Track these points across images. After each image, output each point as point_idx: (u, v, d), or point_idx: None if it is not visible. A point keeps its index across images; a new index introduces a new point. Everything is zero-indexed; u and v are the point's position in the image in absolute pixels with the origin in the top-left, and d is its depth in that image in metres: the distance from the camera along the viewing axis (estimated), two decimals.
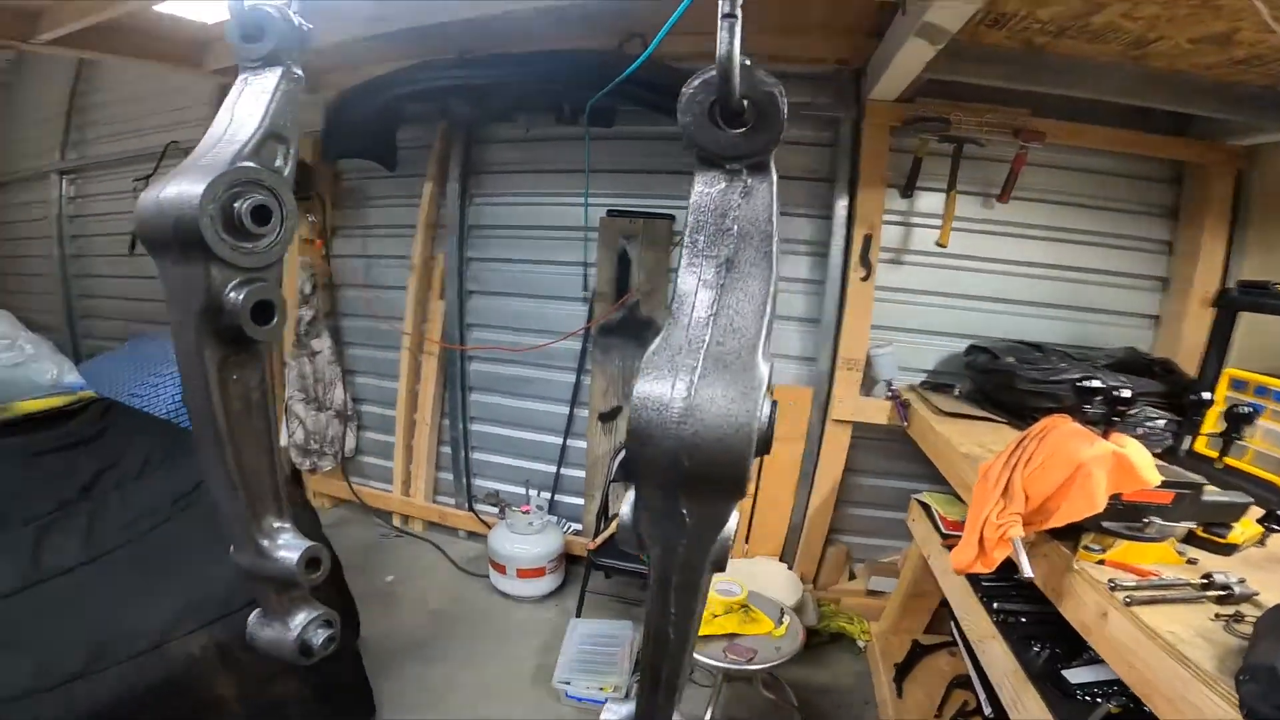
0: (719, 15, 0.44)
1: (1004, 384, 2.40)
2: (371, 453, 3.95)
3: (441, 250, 3.47)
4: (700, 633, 2.10)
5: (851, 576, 3.28)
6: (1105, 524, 1.35)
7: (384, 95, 2.79)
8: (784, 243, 2.95)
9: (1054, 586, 1.46)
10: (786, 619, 2.25)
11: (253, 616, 0.72)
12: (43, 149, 5.11)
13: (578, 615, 2.93)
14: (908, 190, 2.75)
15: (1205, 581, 1.23)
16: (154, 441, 2.72)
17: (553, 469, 3.50)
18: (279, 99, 0.62)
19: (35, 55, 3.46)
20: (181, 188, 0.56)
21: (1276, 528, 1.37)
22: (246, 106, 0.62)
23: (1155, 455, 2.07)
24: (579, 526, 3.45)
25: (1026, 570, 1.32)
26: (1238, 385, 1.91)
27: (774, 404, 0.46)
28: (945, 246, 2.68)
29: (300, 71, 0.66)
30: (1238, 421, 1.44)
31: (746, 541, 3.22)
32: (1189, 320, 2.60)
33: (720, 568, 0.51)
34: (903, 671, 2.56)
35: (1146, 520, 1.32)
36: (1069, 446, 1.33)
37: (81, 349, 5.10)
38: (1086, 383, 1.40)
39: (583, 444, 3.38)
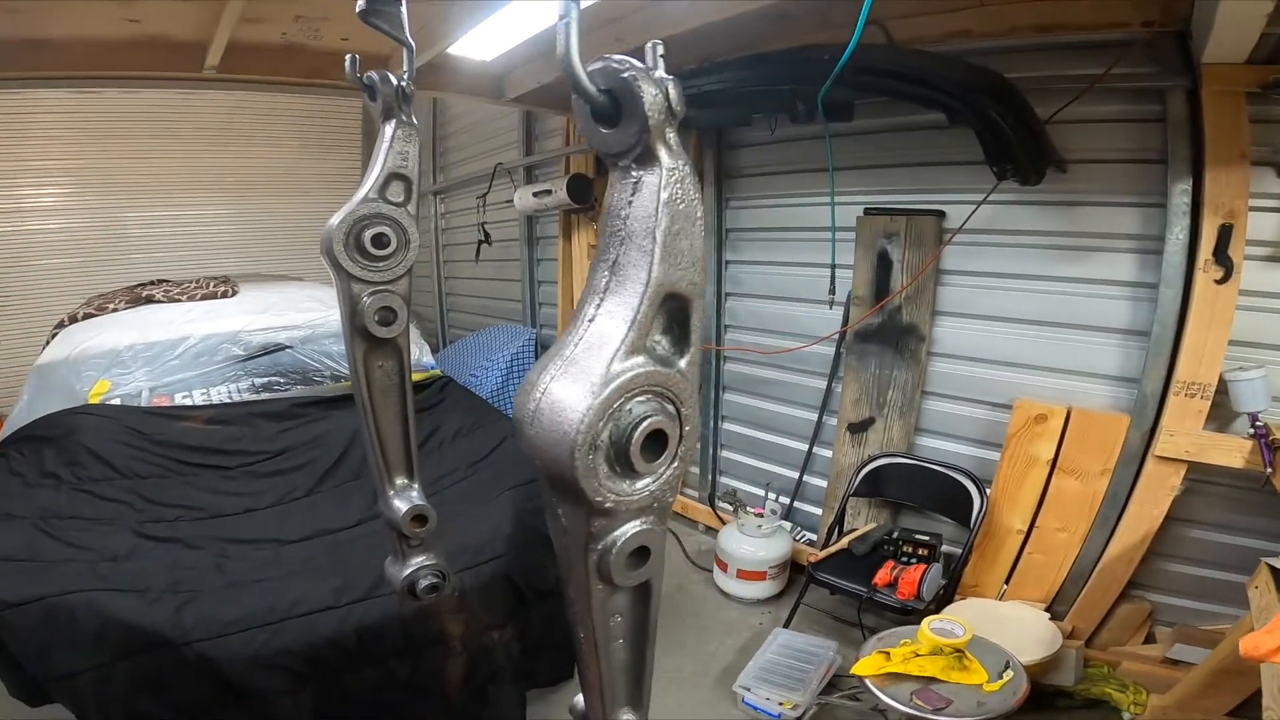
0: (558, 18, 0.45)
1: None
2: None
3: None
4: (894, 669, 1.88)
5: (1150, 639, 2.59)
6: None
7: None
8: (1095, 237, 2.44)
9: None
10: (1009, 674, 1.87)
11: (390, 556, 0.95)
12: (422, 173, 6.52)
13: (786, 625, 2.81)
14: None
15: None
16: (469, 415, 3.21)
17: (795, 475, 3.39)
18: (394, 145, 0.81)
19: None
20: (330, 222, 0.76)
21: None
22: (377, 154, 0.83)
23: None
24: (813, 536, 3.29)
25: None
26: None
27: (667, 409, 0.49)
28: None
29: (410, 118, 0.84)
30: None
31: (1006, 583, 2.72)
32: None
33: (606, 579, 0.51)
34: None
35: None
36: None
37: (448, 336, 6.42)
38: None
39: (828, 453, 3.20)
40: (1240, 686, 2.18)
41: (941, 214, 2.74)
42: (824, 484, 3.25)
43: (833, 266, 2.79)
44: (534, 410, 0.47)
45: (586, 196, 3.76)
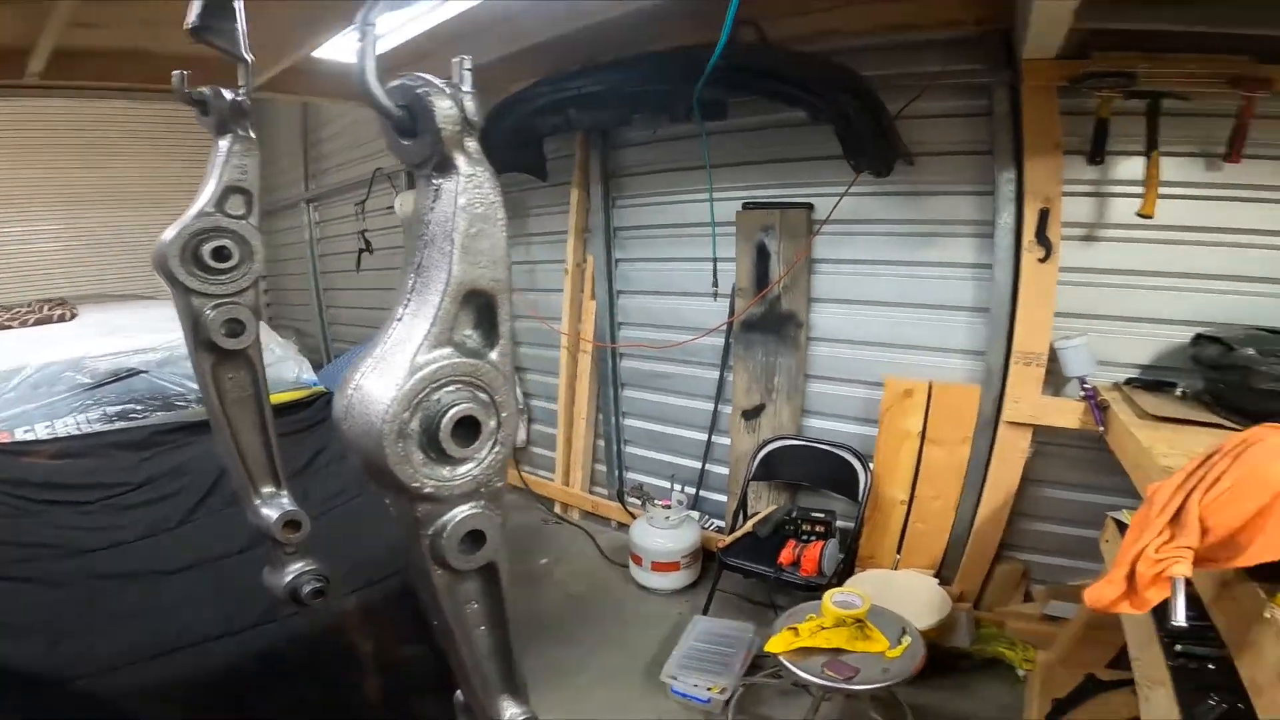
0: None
1: (1242, 383, 1.92)
2: (539, 444, 4.25)
3: (592, 253, 3.62)
4: (804, 644, 1.99)
5: (1028, 598, 2.86)
6: None
7: (516, 113, 2.98)
8: (940, 224, 2.68)
9: (1236, 634, 1.18)
10: (906, 639, 2.03)
11: (266, 566, 0.94)
12: (292, 180, 6.19)
13: (705, 613, 2.91)
14: (1096, 156, 2.32)
15: None
16: None
17: (698, 465, 3.50)
18: (230, 160, 0.81)
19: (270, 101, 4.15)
20: (163, 237, 0.75)
21: None
22: (212, 169, 0.83)
23: None
24: (721, 523, 3.41)
25: (1179, 616, 1.07)
26: None
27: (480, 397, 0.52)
28: (1151, 217, 2.20)
29: (248, 132, 0.84)
30: None
31: (899, 553, 2.94)
32: None
33: (443, 563, 0.54)
34: (1062, 709, 2.18)
35: None
36: (1272, 468, 1.02)
37: (332, 350, 6.13)
38: None
39: (727, 441, 3.34)
40: (1113, 639, 2.37)
41: (810, 206, 2.92)
42: (726, 471, 3.39)
43: (714, 260, 2.92)
44: (346, 406, 0.50)
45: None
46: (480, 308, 0.53)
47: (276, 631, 1.75)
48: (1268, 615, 1.07)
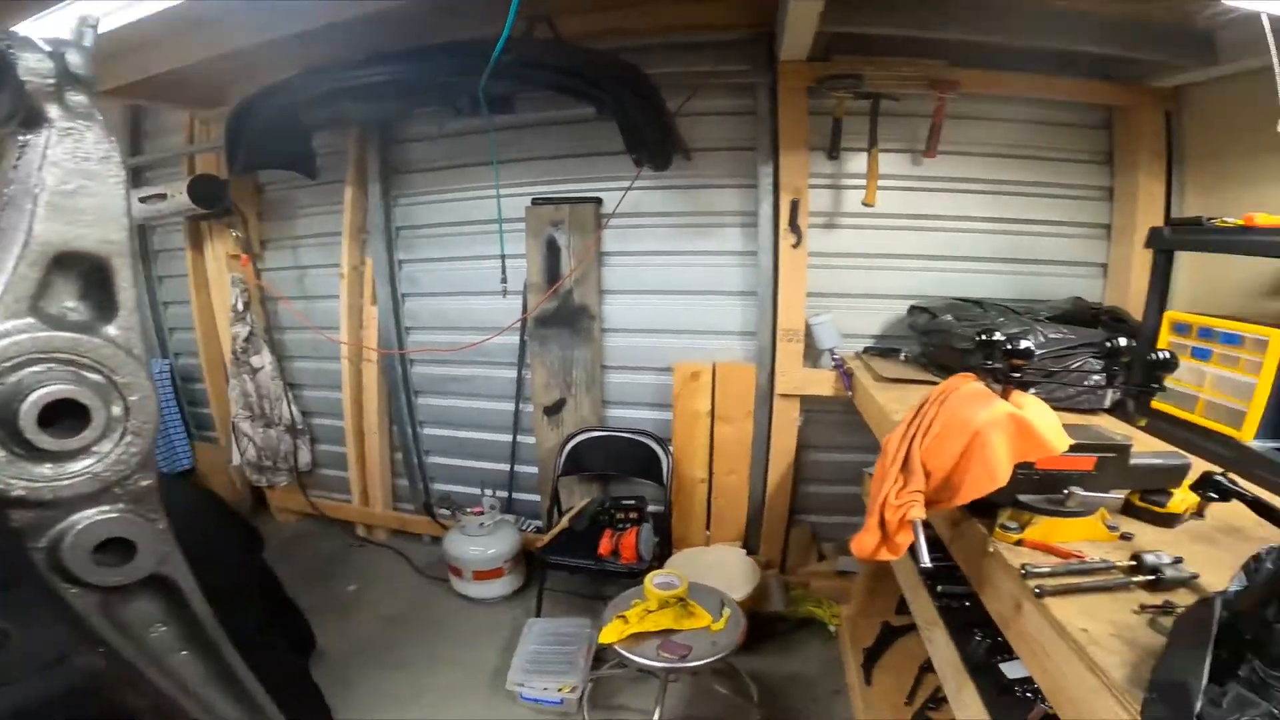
0: None
1: (944, 344, 2.30)
2: (328, 465, 3.85)
3: (370, 255, 3.35)
4: (635, 630, 2.02)
5: (821, 557, 3.19)
6: (1021, 498, 1.21)
7: (274, 104, 2.65)
8: (715, 215, 2.88)
9: (974, 571, 1.32)
10: (726, 611, 2.15)
11: None
12: None
13: (538, 614, 2.87)
14: (833, 152, 2.65)
15: (1133, 564, 1.07)
16: None
17: (506, 467, 3.41)
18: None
19: None
20: None
21: (1213, 496, 1.21)
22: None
23: (1105, 412, 2.01)
24: (540, 523, 3.36)
25: (924, 559, 1.18)
26: (1181, 329, 1.82)
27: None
28: (872, 205, 2.57)
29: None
30: (1154, 369, 1.30)
31: (708, 529, 3.13)
32: (1135, 266, 2.51)
33: (74, 579, 0.46)
34: (872, 656, 2.47)
35: (1067, 492, 1.18)
36: (964, 411, 1.19)
37: None
38: (987, 335, 1.29)
39: (532, 439, 3.29)
40: (895, 588, 2.61)
41: (599, 200, 2.97)
42: (535, 470, 3.35)
43: (503, 257, 2.85)
44: None
45: (218, 199, 3.25)
46: (87, 275, 0.43)
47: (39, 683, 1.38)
48: (991, 550, 1.22)
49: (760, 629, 2.82)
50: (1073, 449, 1.19)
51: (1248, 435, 1.54)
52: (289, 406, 3.67)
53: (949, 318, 2.29)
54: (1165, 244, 1.91)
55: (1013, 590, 1.14)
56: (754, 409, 2.92)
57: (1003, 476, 1.16)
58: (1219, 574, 1.04)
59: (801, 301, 2.71)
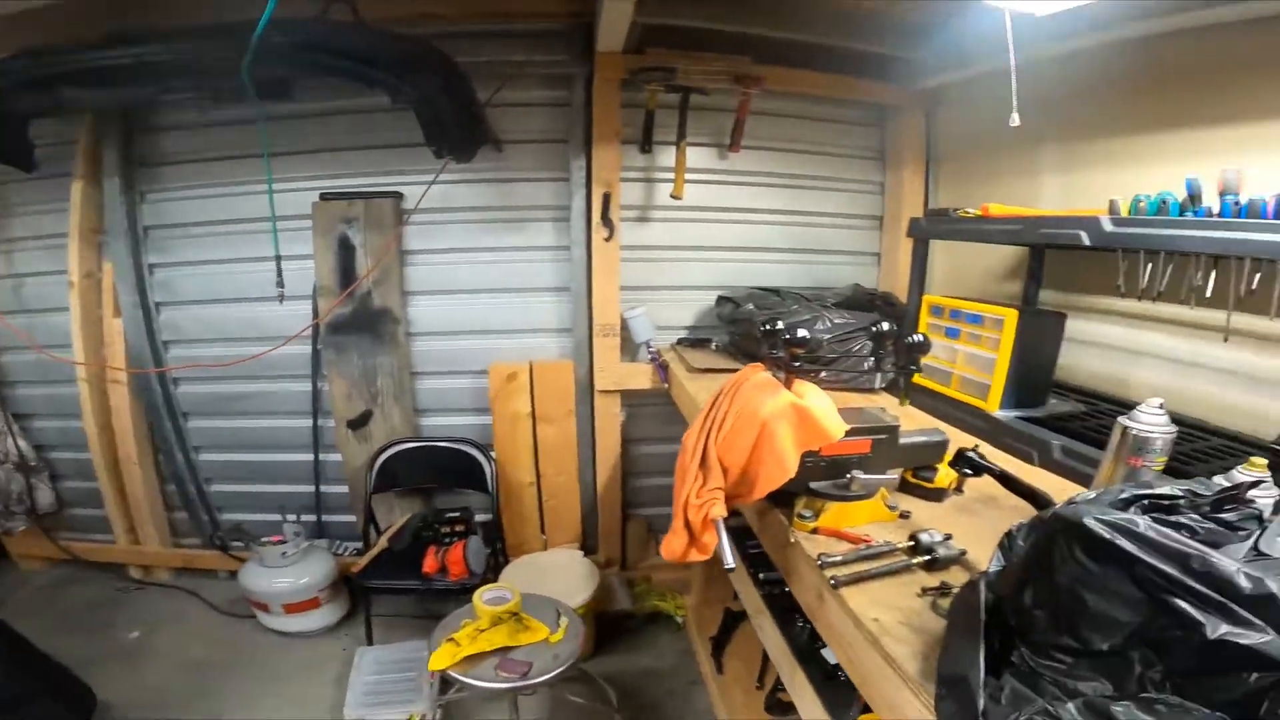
0: None
1: (748, 333, 2.40)
2: (80, 503, 3.19)
3: (110, 259, 2.79)
4: (467, 652, 1.86)
5: (659, 550, 3.22)
6: (813, 485, 1.25)
7: None
8: (527, 209, 2.76)
9: (781, 562, 1.34)
10: (564, 620, 2.06)
11: None
12: None
13: (370, 642, 2.62)
14: (645, 146, 2.64)
15: (912, 544, 1.13)
16: None
17: (311, 489, 3.06)
18: None
19: None
20: None
21: (967, 472, 1.33)
22: None
23: (883, 390, 2.20)
24: (359, 545, 3.04)
25: (728, 559, 1.17)
26: (936, 311, 2.02)
27: None
28: (680, 199, 2.61)
29: None
30: (912, 351, 1.42)
31: (543, 533, 3.03)
32: (902, 253, 2.79)
33: None
34: (719, 644, 2.52)
35: (849, 476, 1.24)
36: (751, 404, 1.21)
37: None
38: (770, 325, 1.32)
39: (338, 456, 2.97)
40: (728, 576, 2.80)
41: (399, 195, 2.72)
42: (347, 489, 3.02)
43: (278, 258, 2.49)
44: None
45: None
46: None
47: None
48: (792, 540, 1.23)
49: (609, 629, 2.81)
50: (849, 433, 1.25)
51: (993, 406, 1.75)
52: (14, 440, 2.98)
53: (750, 307, 2.39)
54: (922, 233, 2.12)
55: (814, 581, 1.16)
56: (575, 407, 2.86)
57: (792, 466, 1.19)
58: (982, 547, 1.10)
59: (616, 295, 2.69)
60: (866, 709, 1.35)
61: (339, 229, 2.70)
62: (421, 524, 2.73)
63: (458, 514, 2.75)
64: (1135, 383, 1.96)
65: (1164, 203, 1.44)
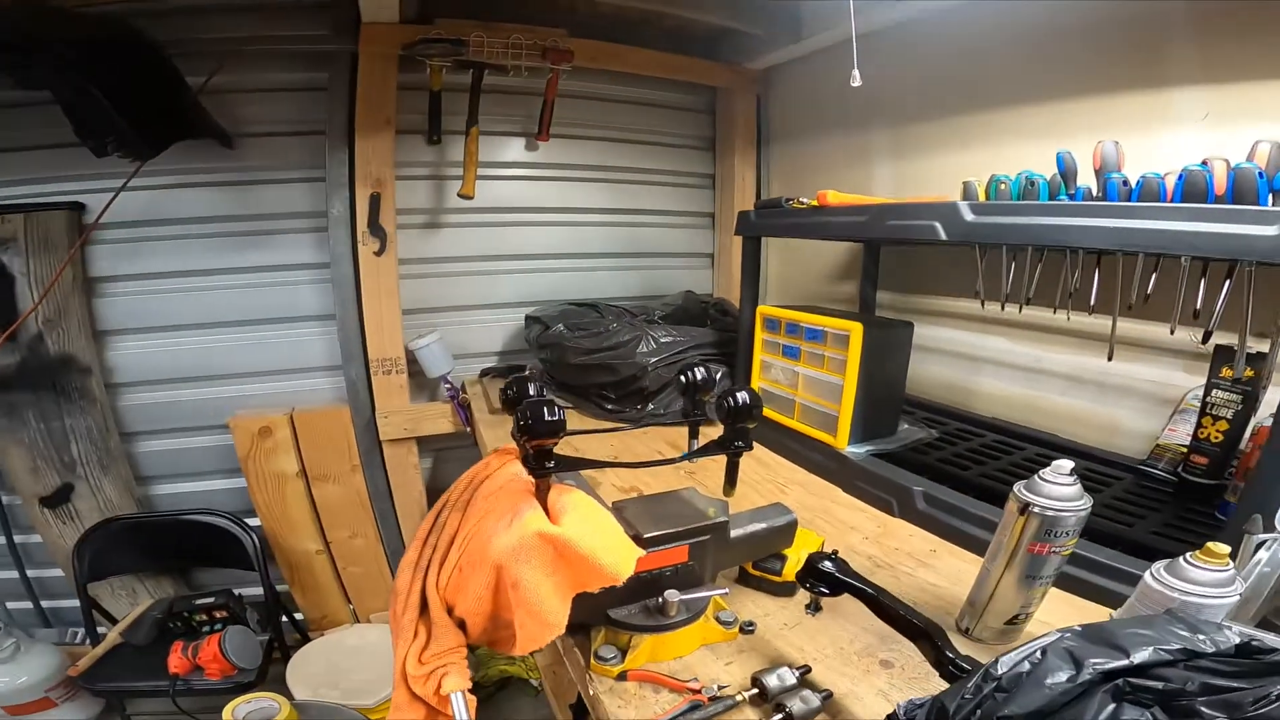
0: None
1: (560, 360, 1.96)
2: None
3: None
4: None
5: None
6: (613, 614, 0.86)
7: None
8: (276, 218, 2.13)
9: (598, 712, 0.93)
10: None
11: None
12: None
13: None
14: (434, 136, 2.13)
15: (756, 691, 0.79)
16: None
17: (13, 574, 2.25)
18: None
19: None
20: None
21: (823, 591, 0.93)
22: None
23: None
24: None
25: None
26: (772, 325, 1.68)
27: None
28: (470, 198, 2.11)
29: None
30: (735, 420, 0.95)
31: (350, 603, 2.44)
32: (735, 254, 2.48)
33: None
34: (582, 713, 2.06)
35: (662, 599, 0.85)
36: (484, 528, 0.80)
37: None
38: (511, 389, 0.88)
39: (40, 538, 2.17)
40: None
41: (80, 206, 1.99)
42: (61, 573, 2.22)
43: None
44: None
45: None
46: None
47: None
48: (590, 692, 0.86)
49: None
50: (656, 541, 0.84)
51: (842, 443, 1.43)
52: None
53: (561, 328, 1.94)
54: (752, 229, 1.78)
55: None
56: (360, 461, 2.27)
57: (558, 621, 0.76)
58: (849, 670, 0.83)
59: (395, 321, 2.13)
60: None
61: None
62: (166, 613, 2.09)
63: (212, 599, 2.13)
64: (983, 393, 1.75)
65: (1030, 183, 1.17)
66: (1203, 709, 0.44)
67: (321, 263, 2.16)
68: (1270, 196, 0.88)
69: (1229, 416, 1.17)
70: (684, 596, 0.86)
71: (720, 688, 0.81)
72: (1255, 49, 1.17)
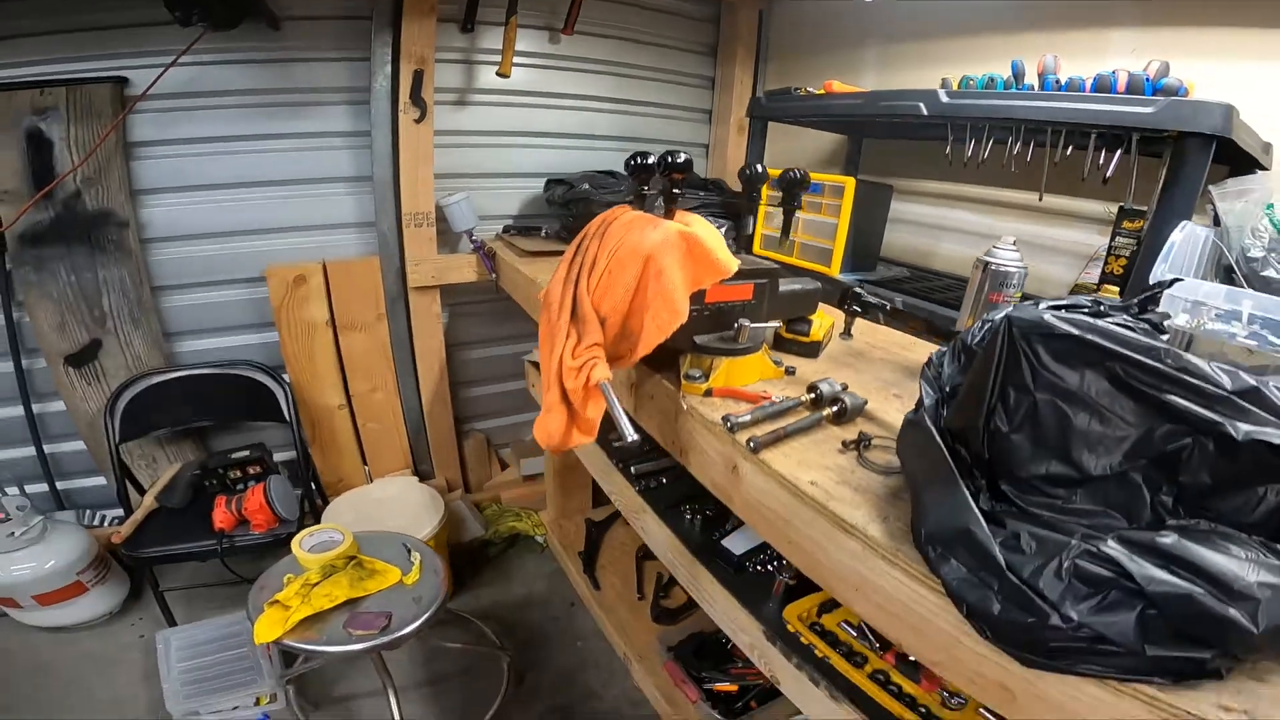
0: None
1: (583, 212, 2.22)
2: None
3: None
4: (301, 615, 1.47)
5: (504, 466, 2.98)
6: (699, 340, 1.11)
7: None
8: (315, 91, 2.25)
9: (671, 438, 1.17)
10: (415, 556, 1.74)
11: None
12: None
13: (171, 623, 2.11)
14: (467, 24, 2.30)
15: (813, 396, 1.03)
16: None
17: (30, 451, 2.30)
18: None
19: None
20: None
21: (856, 310, 1.29)
22: None
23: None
24: (120, 512, 2.36)
25: (627, 431, 0.92)
26: (775, 183, 2.00)
27: None
28: (507, 76, 2.30)
29: None
30: (792, 187, 1.33)
31: (366, 463, 2.63)
32: (730, 146, 2.83)
33: None
34: (589, 560, 2.38)
35: (738, 326, 1.11)
36: (632, 237, 1.02)
37: None
38: (639, 159, 1.13)
39: (61, 405, 2.26)
40: (582, 480, 2.55)
41: (124, 80, 2.05)
42: (84, 445, 2.32)
43: None
44: None
45: None
46: None
47: None
48: (685, 407, 1.06)
49: (466, 562, 2.54)
50: (734, 278, 1.13)
51: (835, 271, 1.77)
52: None
53: (587, 186, 2.22)
54: (762, 112, 2.08)
55: (723, 451, 1.01)
56: (386, 310, 2.47)
57: (683, 309, 1.04)
58: (873, 398, 1.08)
59: (429, 181, 2.32)
60: (789, 597, 1.28)
61: (27, 122, 1.98)
62: (200, 472, 2.17)
63: (247, 453, 2.22)
64: (941, 254, 2.13)
65: (991, 80, 1.54)
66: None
67: (356, 131, 2.31)
68: (1153, 93, 1.28)
69: (1128, 255, 1.55)
70: (753, 325, 1.13)
71: (786, 398, 1.06)
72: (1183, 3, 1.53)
